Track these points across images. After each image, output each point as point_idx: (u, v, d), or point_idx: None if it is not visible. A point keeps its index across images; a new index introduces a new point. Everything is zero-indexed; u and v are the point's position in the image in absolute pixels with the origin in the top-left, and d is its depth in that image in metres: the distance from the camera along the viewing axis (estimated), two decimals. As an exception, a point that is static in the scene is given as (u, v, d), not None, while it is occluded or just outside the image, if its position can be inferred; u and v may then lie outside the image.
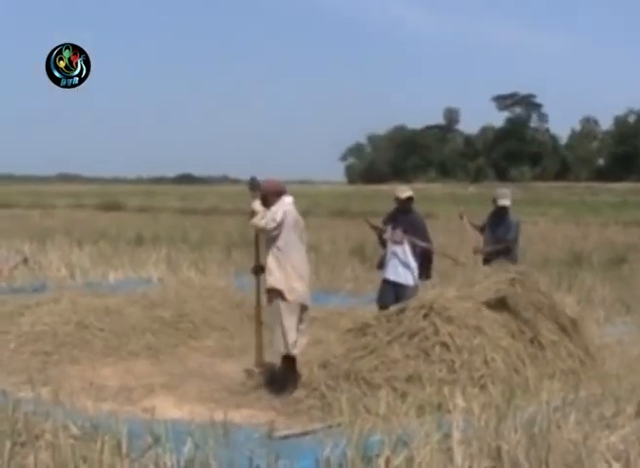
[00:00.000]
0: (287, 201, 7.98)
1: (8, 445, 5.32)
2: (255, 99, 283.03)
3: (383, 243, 10.23)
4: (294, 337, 7.78)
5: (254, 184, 8.23)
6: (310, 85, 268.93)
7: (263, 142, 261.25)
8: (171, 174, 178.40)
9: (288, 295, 7.71)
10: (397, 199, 10.19)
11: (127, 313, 10.29)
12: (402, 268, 9.98)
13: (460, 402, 6.29)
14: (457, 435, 5.30)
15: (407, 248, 9.94)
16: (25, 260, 15.87)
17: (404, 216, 10.09)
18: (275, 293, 7.77)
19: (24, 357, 9.00)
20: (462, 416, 5.73)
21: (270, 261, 7.81)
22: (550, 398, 6.23)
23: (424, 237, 10.10)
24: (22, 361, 8.86)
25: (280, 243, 7.76)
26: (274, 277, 7.76)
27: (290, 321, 7.76)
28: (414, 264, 9.96)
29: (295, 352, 7.85)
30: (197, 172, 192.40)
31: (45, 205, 48.37)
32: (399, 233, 10.00)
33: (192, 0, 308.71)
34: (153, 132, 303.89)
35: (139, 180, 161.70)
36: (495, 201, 10.42)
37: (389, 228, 10.15)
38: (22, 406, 6.02)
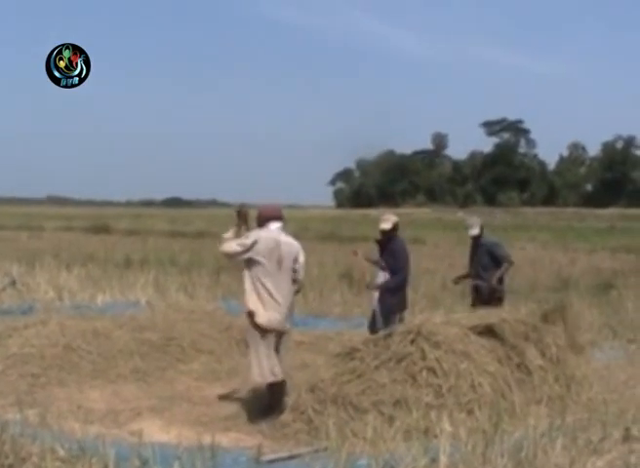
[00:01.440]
0: (272, 227, 7.99)
1: (-5, 467, 5.31)
2: (244, 124, 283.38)
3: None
4: (268, 365, 7.77)
5: (241, 213, 8.28)
6: (299, 110, 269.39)
7: (252, 166, 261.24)
8: (160, 197, 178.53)
9: (260, 320, 7.73)
10: (380, 230, 10.32)
11: (115, 336, 10.28)
12: (380, 296, 10.04)
13: (446, 426, 6.30)
14: (444, 460, 5.31)
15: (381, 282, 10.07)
16: (13, 282, 15.83)
17: (386, 244, 10.19)
18: (250, 318, 7.80)
19: (12, 379, 8.97)
20: (449, 441, 5.74)
21: (245, 285, 7.86)
22: (537, 423, 6.25)
23: (400, 265, 10.12)
24: (10, 383, 8.83)
25: (253, 268, 7.80)
26: (248, 302, 7.83)
27: (263, 347, 7.77)
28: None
29: (271, 379, 7.83)
30: (186, 195, 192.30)
31: (33, 227, 48.29)
32: (383, 261, 10.12)
33: (187, 23, 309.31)
34: (143, 155, 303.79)
35: (128, 203, 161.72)
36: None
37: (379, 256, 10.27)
38: (10, 428, 5.99)
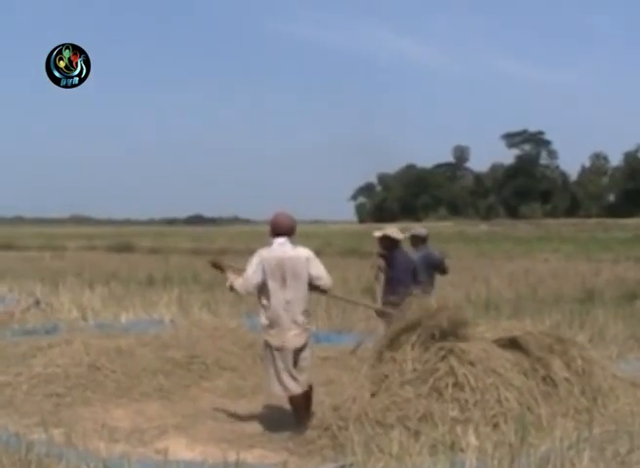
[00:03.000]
0: (274, 245, 7.87)
1: (21, 487, 5.33)
2: (265, 140, 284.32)
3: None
4: (285, 379, 7.77)
5: (215, 265, 8.43)
6: (320, 125, 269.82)
7: (274, 183, 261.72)
8: (182, 215, 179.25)
9: (271, 340, 7.77)
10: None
11: (139, 354, 10.29)
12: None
13: (473, 440, 6.26)
14: (470, 474, 5.28)
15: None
16: (37, 302, 15.93)
17: (388, 257, 10.28)
18: (264, 335, 7.87)
19: (37, 399, 8.99)
20: (476, 455, 5.71)
21: (260, 302, 7.89)
22: (564, 436, 6.20)
23: (404, 278, 10.13)
24: (35, 403, 8.85)
25: (261, 288, 7.79)
26: (261, 320, 7.88)
27: (279, 362, 7.77)
28: None
29: (287, 393, 7.85)
30: (208, 213, 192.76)
31: (56, 247, 48.68)
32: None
33: (207, 41, 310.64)
34: (164, 173, 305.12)
35: (150, 222, 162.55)
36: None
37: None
38: (35, 448, 6.03)
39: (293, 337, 7.77)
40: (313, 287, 7.90)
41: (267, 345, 7.83)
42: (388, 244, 10.33)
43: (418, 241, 11.41)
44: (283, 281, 7.72)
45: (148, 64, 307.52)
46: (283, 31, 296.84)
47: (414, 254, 11.01)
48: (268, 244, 7.91)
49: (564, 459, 5.46)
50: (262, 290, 7.77)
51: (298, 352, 7.86)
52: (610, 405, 7.91)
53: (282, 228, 7.91)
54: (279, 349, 7.75)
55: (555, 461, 5.42)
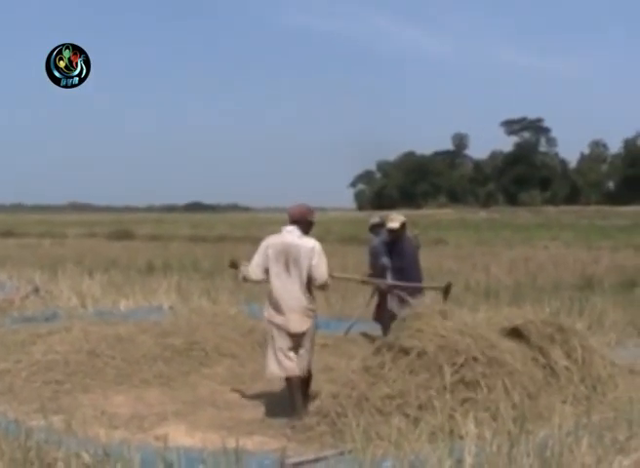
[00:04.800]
0: (284, 231, 8.11)
1: (21, 473, 5.34)
2: (265, 127, 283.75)
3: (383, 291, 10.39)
4: (284, 360, 7.96)
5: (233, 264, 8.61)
6: (319, 112, 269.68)
7: (273, 170, 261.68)
8: (182, 202, 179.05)
9: (274, 320, 7.98)
10: (387, 229, 10.32)
11: (138, 341, 10.30)
12: (403, 298, 9.99)
13: (472, 428, 6.27)
14: (469, 460, 5.29)
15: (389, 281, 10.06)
16: (37, 290, 15.92)
17: (395, 246, 10.18)
18: (267, 316, 8.08)
19: (36, 385, 8.99)
20: (475, 442, 5.72)
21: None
22: (563, 422, 6.21)
23: (412, 266, 10.10)
24: (34, 389, 8.86)
25: (268, 271, 8.02)
26: (266, 302, 8.14)
27: (279, 343, 7.97)
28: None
29: (284, 374, 8.00)
30: (207, 200, 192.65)
31: (56, 234, 48.59)
32: (395, 262, 10.12)
33: (208, 28, 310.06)
34: (163, 160, 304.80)
35: (150, 209, 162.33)
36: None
37: (388, 258, 10.25)
38: (35, 434, 6.03)
39: (294, 321, 7.91)
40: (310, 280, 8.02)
41: (269, 325, 8.01)
42: (397, 234, 10.25)
43: (376, 228, 11.86)
44: (286, 266, 7.90)
45: (150, 51, 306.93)
46: (283, 19, 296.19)
47: (374, 240, 11.39)
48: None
49: (562, 446, 5.47)
50: (270, 272, 7.99)
51: (299, 337, 7.96)
52: (609, 392, 7.94)
53: (292, 216, 8.14)
54: (280, 329, 7.91)
55: (554, 448, 5.42)
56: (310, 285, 7.99)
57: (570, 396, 7.56)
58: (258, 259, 8.05)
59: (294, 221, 8.11)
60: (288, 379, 8.01)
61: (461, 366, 7.18)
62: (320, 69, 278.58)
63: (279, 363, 7.97)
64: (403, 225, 10.25)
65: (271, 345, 8.04)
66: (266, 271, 8.01)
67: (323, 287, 8.11)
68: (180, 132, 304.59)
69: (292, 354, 7.96)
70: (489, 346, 7.45)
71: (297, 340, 7.96)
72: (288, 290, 7.92)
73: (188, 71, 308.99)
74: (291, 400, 7.97)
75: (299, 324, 7.94)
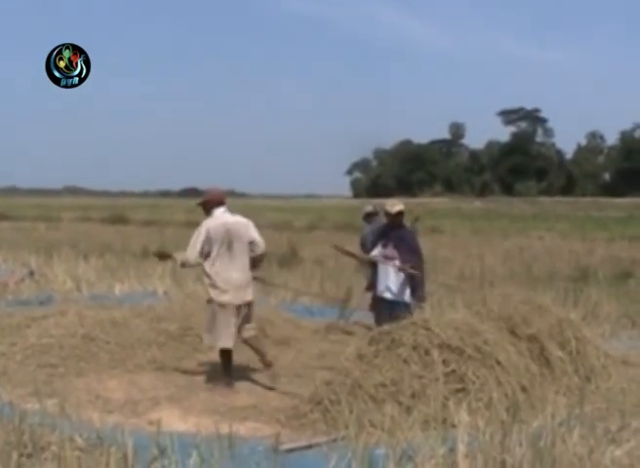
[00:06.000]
0: (217, 213, 8.73)
1: (14, 456, 5.36)
2: (261, 114, 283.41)
3: (373, 263, 10.28)
4: (227, 333, 8.50)
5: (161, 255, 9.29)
6: (316, 100, 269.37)
7: (269, 157, 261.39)
8: (177, 187, 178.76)
9: (219, 298, 8.48)
10: (387, 214, 10.14)
11: (133, 326, 10.30)
12: (397, 285, 9.92)
13: (465, 417, 6.29)
14: (462, 449, 5.30)
15: (398, 263, 9.90)
16: (32, 273, 15.93)
17: (395, 232, 10.03)
18: (209, 297, 8.59)
19: (31, 369, 9.00)
20: (468, 431, 5.74)
21: (204, 268, 8.57)
22: (555, 412, 6.24)
23: (415, 253, 10.02)
24: (29, 373, 8.86)
25: (207, 254, 8.51)
26: (206, 283, 8.63)
27: (227, 318, 8.49)
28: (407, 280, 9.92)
29: (227, 345, 8.55)
30: (203, 185, 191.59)
31: (51, 218, 48.55)
32: (391, 249, 9.97)
33: (203, 14, 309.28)
34: (160, 146, 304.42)
35: (145, 194, 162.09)
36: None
37: (379, 245, 10.11)
38: (29, 417, 6.04)
39: (242, 293, 8.57)
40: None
41: (214, 305, 8.53)
42: (398, 219, 10.13)
43: (369, 217, 12.02)
44: (230, 244, 8.53)
45: (148, 38, 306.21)
46: (281, 6, 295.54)
47: (365, 228, 11.67)
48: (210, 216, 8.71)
49: (555, 436, 5.48)
50: (210, 254, 8.49)
51: (246, 307, 8.62)
52: (602, 383, 7.97)
53: (220, 199, 8.85)
54: (227, 306, 8.48)
55: (546, 437, 5.44)
56: (249, 256, 8.68)
57: (563, 386, 7.59)
58: (198, 244, 8.49)
59: (221, 203, 8.78)
60: (227, 351, 8.58)
61: (455, 360, 7.19)
62: (318, 57, 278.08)
63: (229, 336, 8.49)
64: (402, 212, 10.08)
65: (220, 321, 8.48)
66: (204, 252, 8.49)
67: (262, 255, 8.85)
68: (177, 117, 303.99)
69: (233, 328, 8.53)
70: (482, 340, 7.45)
71: (244, 310, 8.60)
72: (233, 266, 8.51)
73: (183, 56, 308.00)
74: (226, 367, 8.63)
75: (247, 294, 8.61)
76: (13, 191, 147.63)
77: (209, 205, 8.78)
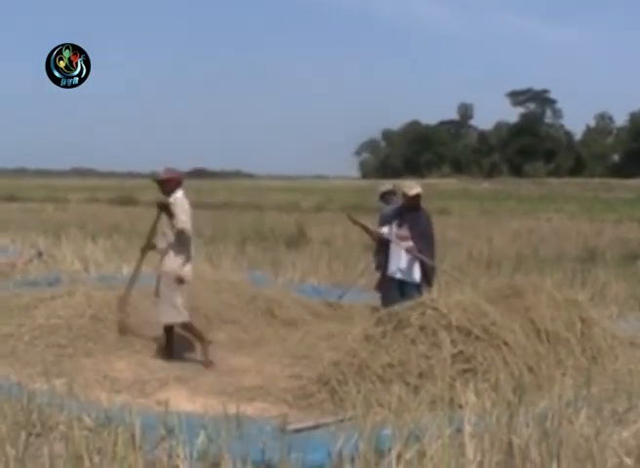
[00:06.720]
0: (180, 195, 8.94)
1: (23, 435, 5.37)
2: (269, 95, 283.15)
3: (382, 241, 10.22)
4: (184, 309, 8.89)
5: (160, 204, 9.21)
6: (325, 80, 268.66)
7: (277, 137, 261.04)
8: (184, 168, 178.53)
9: (185, 275, 8.88)
10: (405, 196, 10.08)
11: (141, 306, 10.31)
12: (408, 265, 9.92)
13: (472, 397, 6.30)
14: (469, 429, 5.31)
15: (412, 245, 9.88)
16: (40, 254, 15.96)
17: (411, 214, 9.98)
18: (172, 274, 8.84)
19: (39, 349, 9.02)
20: (474, 411, 5.75)
21: (171, 246, 8.89)
22: (562, 393, 6.24)
23: (427, 238, 10.00)
24: (37, 353, 8.89)
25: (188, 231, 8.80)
26: (178, 261, 8.88)
27: (183, 297, 8.88)
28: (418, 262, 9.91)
29: (187, 319, 8.98)
30: (210, 166, 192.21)
31: (59, 199, 48.60)
32: (405, 231, 9.95)
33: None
34: (167, 126, 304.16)
35: (152, 175, 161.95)
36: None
37: (394, 225, 10.08)
38: (37, 397, 6.08)
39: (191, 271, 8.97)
40: None
41: (180, 280, 8.82)
42: (416, 202, 10.06)
43: (386, 196, 11.52)
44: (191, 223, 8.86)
45: (161, 20, 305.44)
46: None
47: (386, 208, 11.12)
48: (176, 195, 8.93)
49: (562, 416, 5.48)
50: (190, 230, 8.87)
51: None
52: (609, 364, 7.97)
53: (181, 180, 9.14)
54: (184, 283, 8.86)
55: (553, 418, 5.44)
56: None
57: (570, 368, 7.58)
58: (190, 219, 8.82)
59: (180, 184, 9.04)
60: (186, 325, 9.02)
61: (462, 341, 7.20)
62: (325, 37, 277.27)
63: (182, 312, 8.89)
64: (420, 195, 10.01)
65: (173, 298, 8.81)
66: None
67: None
68: (186, 98, 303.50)
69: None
70: (489, 321, 7.46)
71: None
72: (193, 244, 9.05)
73: (196, 38, 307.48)
74: (168, 342, 9.08)
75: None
76: (22, 172, 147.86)
77: (172, 184, 8.96)
